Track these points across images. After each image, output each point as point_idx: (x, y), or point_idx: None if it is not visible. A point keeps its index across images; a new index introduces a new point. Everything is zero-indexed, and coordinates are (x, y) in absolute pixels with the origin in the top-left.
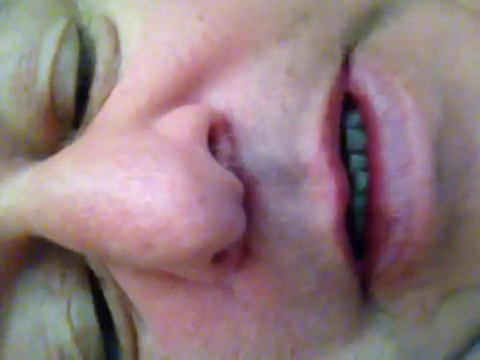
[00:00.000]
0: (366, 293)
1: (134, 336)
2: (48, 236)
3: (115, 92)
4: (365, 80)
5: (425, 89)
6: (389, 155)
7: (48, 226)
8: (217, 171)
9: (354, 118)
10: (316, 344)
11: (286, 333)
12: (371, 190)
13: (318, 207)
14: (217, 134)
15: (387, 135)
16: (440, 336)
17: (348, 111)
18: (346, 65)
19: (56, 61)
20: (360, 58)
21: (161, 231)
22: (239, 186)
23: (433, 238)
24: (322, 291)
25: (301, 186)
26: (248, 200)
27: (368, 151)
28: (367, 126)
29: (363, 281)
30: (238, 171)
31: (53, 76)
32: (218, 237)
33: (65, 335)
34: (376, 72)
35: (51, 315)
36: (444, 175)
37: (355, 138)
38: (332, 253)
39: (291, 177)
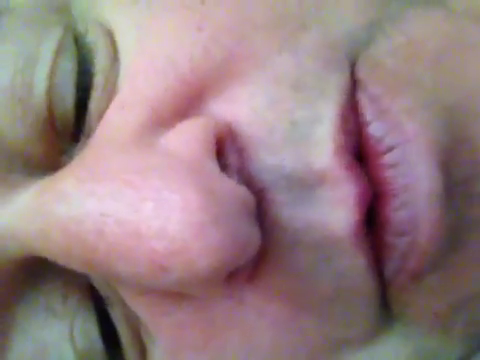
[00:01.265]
0: (383, 299)
1: (142, 354)
2: (51, 258)
3: (113, 104)
4: (362, 106)
5: (426, 113)
6: (392, 178)
7: (52, 248)
8: (229, 186)
9: None
10: (332, 349)
11: (301, 339)
12: (377, 204)
13: (335, 212)
14: (224, 147)
15: (388, 160)
16: (453, 342)
17: None
18: (354, 80)
19: (53, 72)
20: (361, 76)
21: (176, 253)
22: (251, 199)
23: (438, 248)
24: (340, 295)
25: (316, 193)
26: (259, 209)
27: (370, 171)
28: (367, 155)
29: (380, 286)
30: (247, 182)
31: (50, 88)
32: (234, 256)
33: (68, 357)
34: (373, 98)
35: (53, 337)
36: (451, 188)
37: None
38: (351, 257)
39: (303, 184)
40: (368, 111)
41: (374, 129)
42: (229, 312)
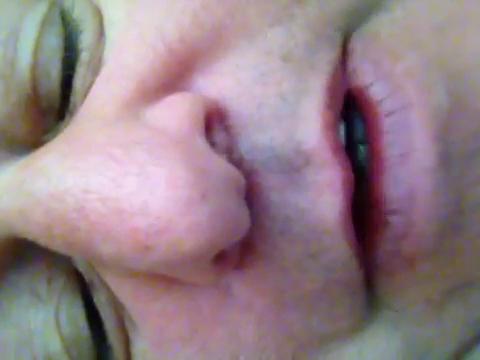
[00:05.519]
0: (369, 288)
1: (127, 342)
2: (33, 238)
3: (99, 79)
4: (362, 70)
5: (428, 76)
6: (389, 144)
7: (33, 228)
8: (218, 164)
9: (358, 110)
10: (318, 343)
11: (287, 335)
12: (371, 180)
13: (323, 198)
14: (212, 124)
15: (387, 125)
16: (447, 331)
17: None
18: (345, 53)
19: (38, 47)
20: (358, 46)
21: (160, 232)
22: (241, 179)
23: (436, 229)
24: (327, 289)
25: (303, 176)
26: (248, 192)
27: (369, 141)
28: (365, 116)
29: (366, 274)
30: (237, 162)
31: (35, 64)
32: (222, 236)
33: (54, 344)
34: (374, 61)
35: (38, 322)
36: (450, 163)
37: (360, 130)
38: (339, 248)
39: (292, 166)
40: (368, 74)
41: (375, 91)
42: (216, 302)
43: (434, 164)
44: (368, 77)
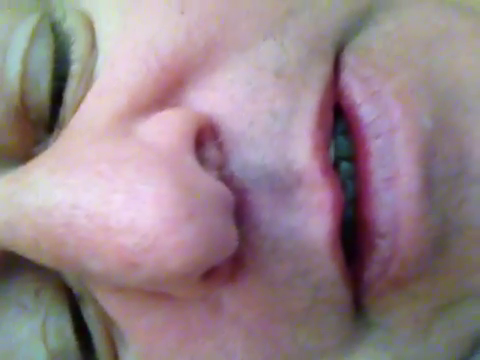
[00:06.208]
0: (358, 307)
1: (115, 355)
2: (20, 252)
3: (91, 93)
4: (352, 87)
5: (416, 96)
6: (375, 167)
7: (20, 241)
8: (207, 182)
9: (341, 124)
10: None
11: (275, 350)
12: (358, 202)
13: (313, 218)
14: (203, 140)
15: (374, 147)
16: (435, 349)
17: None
18: (337, 66)
19: (27, 58)
20: (350, 61)
21: (147, 250)
22: (229, 197)
23: (421, 252)
24: (315, 307)
25: (294, 196)
26: (238, 210)
27: (355, 161)
28: (353, 137)
29: (355, 294)
30: (227, 179)
31: (24, 75)
32: (209, 255)
33: (40, 356)
34: (364, 79)
35: (24, 334)
36: (435, 185)
37: (343, 145)
38: (327, 268)
39: (283, 185)
40: (358, 93)
41: (364, 112)
42: (205, 315)
43: (418, 189)
44: (357, 96)
